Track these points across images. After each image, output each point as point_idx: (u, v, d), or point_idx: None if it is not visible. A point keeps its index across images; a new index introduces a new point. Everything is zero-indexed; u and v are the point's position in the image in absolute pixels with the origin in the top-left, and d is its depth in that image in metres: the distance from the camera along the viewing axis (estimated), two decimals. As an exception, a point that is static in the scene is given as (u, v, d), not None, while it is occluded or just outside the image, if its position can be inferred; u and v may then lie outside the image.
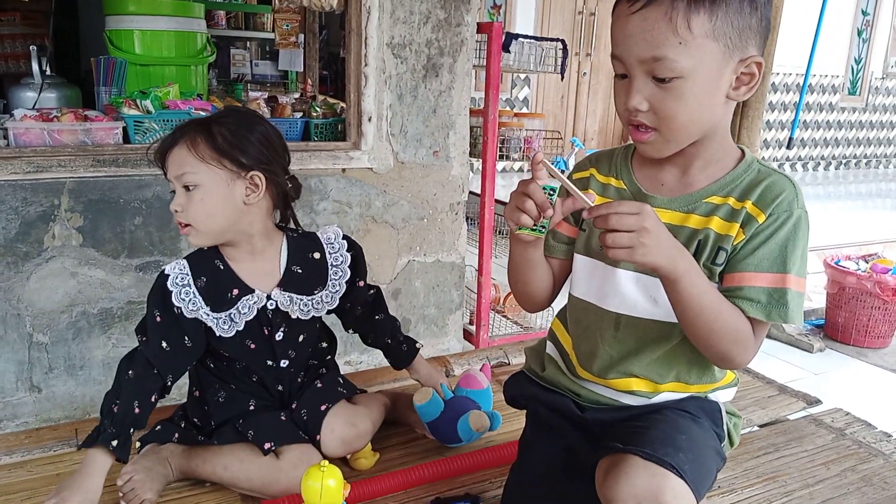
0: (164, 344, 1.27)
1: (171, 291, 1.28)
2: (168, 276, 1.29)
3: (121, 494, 1.24)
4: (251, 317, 1.31)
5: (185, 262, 1.31)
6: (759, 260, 1.00)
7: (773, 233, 1.00)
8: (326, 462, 1.10)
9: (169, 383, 1.29)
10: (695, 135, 1.02)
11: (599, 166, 1.16)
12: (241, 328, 1.30)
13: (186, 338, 1.29)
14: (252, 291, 1.31)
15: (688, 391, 1.13)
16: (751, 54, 0.97)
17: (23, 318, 2.19)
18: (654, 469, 0.96)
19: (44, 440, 1.43)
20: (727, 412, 1.17)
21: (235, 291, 1.30)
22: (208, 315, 1.29)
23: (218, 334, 1.30)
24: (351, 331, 1.54)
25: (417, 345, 1.54)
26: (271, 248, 1.35)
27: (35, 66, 2.74)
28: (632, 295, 1.08)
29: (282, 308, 1.33)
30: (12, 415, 2.24)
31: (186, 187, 1.24)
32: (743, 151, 1.07)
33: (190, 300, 1.28)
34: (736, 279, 1.02)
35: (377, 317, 1.50)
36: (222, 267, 1.32)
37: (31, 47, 2.79)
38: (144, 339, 1.29)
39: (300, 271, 1.36)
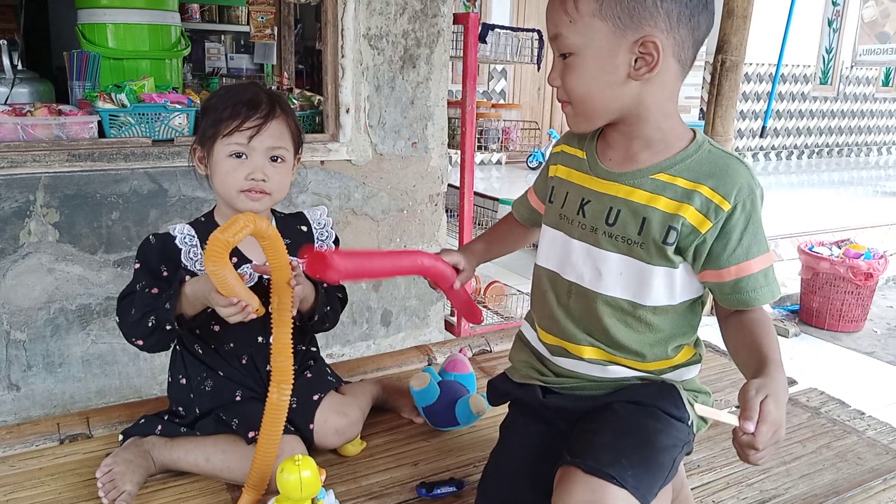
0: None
1: (181, 250, 1.29)
2: (175, 236, 1.30)
3: (99, 486, 1.23)
4: (251, 283, 1.32)
5: (188, 226, 1.34)
6: (746, 248, 1.04)
7: (748, 219, 1.04)
8: (300, 455, 1.10)
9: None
10: (602, 111, 1.06)
11: (571, 141, 1.22)
12: None
13: None
14: (250, 261, 1.34)
15: (643, 368, 1.14)
16: (645, 34, 0.99)
17: (-1, 315, 2.17)
18: (595, 483, 0.98)
19: (25, 435, 1.42)
20: (691, 390, 1.18)
21: (234, 259, 1.32)
22: None
23: None
24: None
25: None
26: None
27: (6, 61, 2.70)
28: (580, 265, 1.13)
29: None
30: (-10, 413, 2.22)
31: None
32: (695, 133, 1.10)
33: (199, 261, 1.29)
34: (734, 272, 1.05)
35: (339, 295, 1.47)
36: None
37: (0, 42, 2.75)
38: (145, 286, 1.28)
39: (289, 243, 1.38)
